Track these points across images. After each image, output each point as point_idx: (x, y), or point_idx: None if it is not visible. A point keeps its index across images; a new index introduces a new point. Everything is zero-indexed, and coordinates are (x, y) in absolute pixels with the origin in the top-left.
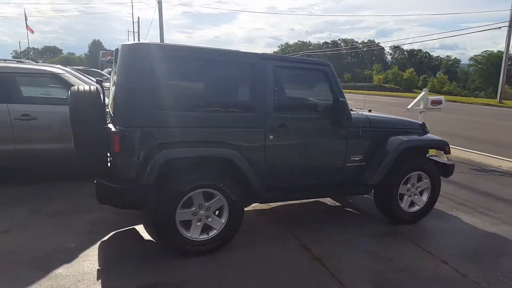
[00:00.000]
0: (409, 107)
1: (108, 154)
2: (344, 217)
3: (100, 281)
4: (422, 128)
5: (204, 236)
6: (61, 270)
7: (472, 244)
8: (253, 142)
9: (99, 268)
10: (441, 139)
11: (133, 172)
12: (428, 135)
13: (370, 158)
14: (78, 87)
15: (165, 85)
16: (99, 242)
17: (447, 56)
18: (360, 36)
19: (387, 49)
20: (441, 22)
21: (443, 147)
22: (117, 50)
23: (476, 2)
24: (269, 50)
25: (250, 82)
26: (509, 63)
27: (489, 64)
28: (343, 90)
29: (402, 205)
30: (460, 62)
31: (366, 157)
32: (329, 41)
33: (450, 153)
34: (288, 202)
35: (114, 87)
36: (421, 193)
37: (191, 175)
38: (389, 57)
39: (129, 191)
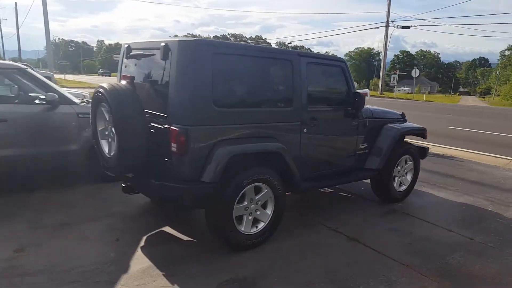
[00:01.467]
0: None
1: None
2: (345, 201)
3: (176, 285)
4: (403, 117)
5: (254, 230)
6: (125, 280)
7: (457, 213)
8: (292, 135)
9: (164, 273)
10: (421, 126)
11: (196, 171)
12: (409, 123)
13: (371, 145)
14: (113, 84)
15: (222, 82)
16: (139, 249)
17: (326, 52)
18: (246, 32)
19: (274, 45)
20: (318, 21)
21: (424, 133)
22: (128, 46)
23: (347, 4)
24: None
25: (290, 78)
26: (377, 58)
27: (361, 59)
28: None
29: (395, 186)
30: None
31: (369, 145)
32: (219, 35)
33: (427, 138)
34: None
35: (158, 85)
36: (406, 174)
37: (247, 170)
38: None
39: (197, 190)
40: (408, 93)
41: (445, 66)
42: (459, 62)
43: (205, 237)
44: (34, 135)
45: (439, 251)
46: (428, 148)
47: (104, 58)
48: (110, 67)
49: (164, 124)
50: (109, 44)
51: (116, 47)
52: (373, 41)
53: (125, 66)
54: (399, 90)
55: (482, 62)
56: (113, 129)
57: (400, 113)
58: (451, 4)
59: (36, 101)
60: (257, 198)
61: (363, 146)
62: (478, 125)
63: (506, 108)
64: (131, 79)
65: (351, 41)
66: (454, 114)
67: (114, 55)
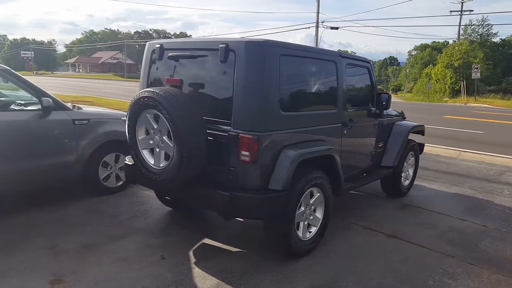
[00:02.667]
0: None
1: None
2: (357, 199)
3: None
4: (402, 115)
5: (308, 235)
6: None
7: (458, 203)
8: (336, 137)
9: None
10: (421, 124)
11: (265, 179)
12: (409, 120)
13: (385, 144)
14: (167, 89)
15: (286, 85)
16: (193, 265)
17: None
18: (167, 28)
19: None
20: (241, 19)
21: (423, 129)
22: (161, 46)
23: (269, 4)
24: (68, 38)
25: (335, 79)
26: None
27: None
28: None
29: (402, 181)
30: None
31: (383, 143)
32: (141, 31)
33: (424, 135)
34: None
35: (215, 89)
36: (409, 169)
37: (307, 175)
38: None
39: (271, 199)
40: None
41: None
42: (373, 61)
43: (251, 246)
44: (24, 147)
45: (468, 240)
46: (424, 144)
47: (9, 54)
48: (18, 65)
49: (229, 131)
50: (13, 39)
51: (23, 42)
52: (294, 40)
53: (156, 68)
54: None
55: (392, 61)
56: (164, 138)
57: (400, 111)
58: (376, 7)
59: (21, 107)
60: (311, 202)
61: (380, 145)
62: None
63: (418, 102)
64: (179, 82)
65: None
66: None
67: (22, 52)
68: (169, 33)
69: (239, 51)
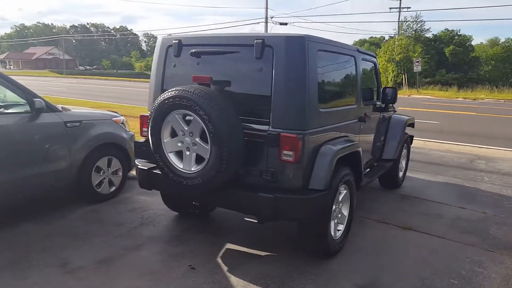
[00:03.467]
0: None
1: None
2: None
3: None
4: (394, 109)
5: (337, 234)
6: None
7: (450, 192)
8: (355, 133)
9: None
10: (411, 116)
11: (306, 179)
12: (400, 114)
13: (385, 137)
14: (199, 87)
15: (323, 81)
16: (227, 273)
17: None
18: (105, 21)
19: (141, 37)
20: (183, 13)
21: (414, 122)
22: (180, 42)
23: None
24: None
25: (354, 75)
26: None
27: None
28: (104, 78)
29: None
30: None
31: (384, 137)
32: (77, 25)
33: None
34: None
35: (248, 86)
36: (402, 161)
37: (339, 172)
38: (144, 45)
39: (315, 200)
40: None
41: None
42: None
43: (278, 248)
44: (13, 154)
45: (477, 227)
46: (413, 136)
47: None
48: None
49: (267, 131)
50: None
51: None
52: None
53: (174, 66)
54: None
55: None
56: (197, 140)
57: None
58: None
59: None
60: (339, 200)
61: (382, 138)
62: None
63: None
64: (210, 80)
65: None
66: None
67: None
68: (108, 27)
69: (278, 47)
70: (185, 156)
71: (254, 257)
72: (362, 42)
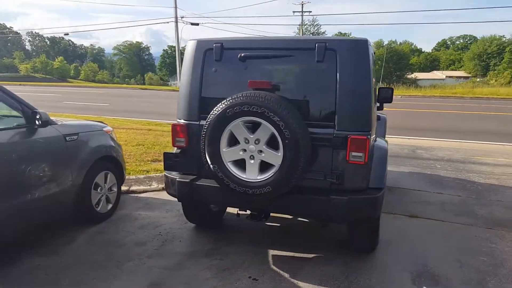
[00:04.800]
0: None
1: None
2: None
3: None
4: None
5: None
6: None
7: (421, 180)
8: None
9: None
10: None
11: (368, 178)
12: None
13: None
14: (268, 93)
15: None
16: (294, 280)
17: (91, 44)
18: None
19: (24, 36)
20: (71, 10)
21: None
22: (222, 45)
23: None
24: None
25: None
26: (147, 53)
27: (131, 53)
28: None
29: None
30: (105, 51)
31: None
32: None
33: None
34: None
35: (307, 90)
36: None
37: None
38: (28, 44)
39: (381, 198)
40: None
41: None
42: None
43: (316, 249)
44: (10, 177)
45: (463, 209)
46: None
47: None
48: None
49: (333, 134)
50: None
51: None
52: (134, 36)
53: (214, 71)
54: (173, 83)
55: None
56: (264, 147)
57: None
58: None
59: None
60: None
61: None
62: None
63: None
64: (270, 85)
65: (112, 34)
66: None
67: None
68: None
69: (341, 50)
70: (248, 164)
71: (304, 260)
72: None
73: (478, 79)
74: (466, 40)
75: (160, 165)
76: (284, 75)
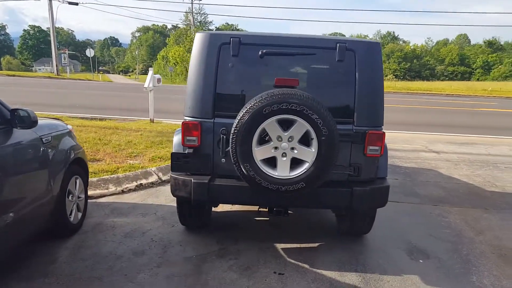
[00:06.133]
0: (146, 86)
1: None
2: None
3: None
4: None
5: None
6: None
7: (425, 172)
8: None
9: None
10: None
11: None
12: None
13: None
14: (300, 91)
15: None
16: (320, 270)
17: None
18: None
19: None
20: None
21: None
22: (239, 40)
23: None
24: None
25: None
26: (2, 33)
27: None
28: None
29: None
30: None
31: None
32: None
33: None
34: None
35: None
36: None
37: None
38: None
39: (388, 187)
40: (51, 72)
41: (82, 44)
42: (91, 40)
43: (318, 238)
44: None
45: (407, 190)
46: None
47: None
48: None
49: (353, 129)
50: None
51: None
52: None
53: (231, 66)
54: (39, 69)
55: (113, 42)
56: (297, 144)
57: None
58: None
59: None
60: None
61: None
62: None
63: (177, 85)
64: (297, 83)
65: None
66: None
67: None
68: None
69: (360, 51)
70: (280, 162)
71: (312, 249)
72: (146, 29)
73: None
74: None
75: (105, 165)
76: (305, 73)
